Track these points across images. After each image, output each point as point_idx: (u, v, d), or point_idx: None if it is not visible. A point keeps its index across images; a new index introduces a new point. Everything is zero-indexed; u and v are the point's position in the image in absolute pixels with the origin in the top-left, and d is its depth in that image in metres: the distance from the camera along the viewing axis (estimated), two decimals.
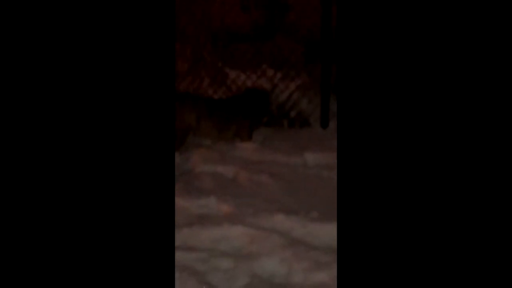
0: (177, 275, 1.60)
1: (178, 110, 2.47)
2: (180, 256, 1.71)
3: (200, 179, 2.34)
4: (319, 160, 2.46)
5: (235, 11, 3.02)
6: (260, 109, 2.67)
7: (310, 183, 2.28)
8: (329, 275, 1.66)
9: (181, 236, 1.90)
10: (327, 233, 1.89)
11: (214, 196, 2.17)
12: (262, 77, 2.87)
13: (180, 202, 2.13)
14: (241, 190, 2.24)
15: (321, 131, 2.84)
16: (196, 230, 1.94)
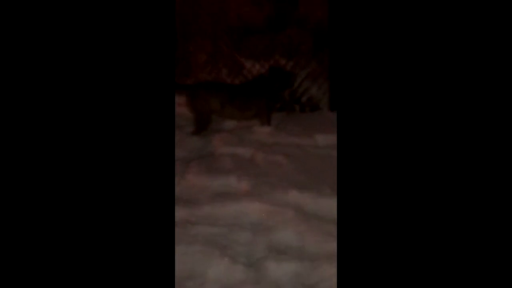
0: (201, 248, 1.67)
1: (203, 97, 2.51)
2: (203, 231, 1.77)
3: (221, 160, 2.32)
4: (329, 141, 2.44)
5: (249, 6, 2.99)
6: (288, 85, 2.71)
7: (321, 162, 2.27)
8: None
9: (203, 212, 1.91)
10: (335, 207, 1.85)
11: (233, 175, 2.16)
12: (275, 66, 2.85)
13: (203, 181, 2.11)
14: (258, 170, 2.22)
15: (330, 114, 2.84)
16: (217, 207, 1.93)
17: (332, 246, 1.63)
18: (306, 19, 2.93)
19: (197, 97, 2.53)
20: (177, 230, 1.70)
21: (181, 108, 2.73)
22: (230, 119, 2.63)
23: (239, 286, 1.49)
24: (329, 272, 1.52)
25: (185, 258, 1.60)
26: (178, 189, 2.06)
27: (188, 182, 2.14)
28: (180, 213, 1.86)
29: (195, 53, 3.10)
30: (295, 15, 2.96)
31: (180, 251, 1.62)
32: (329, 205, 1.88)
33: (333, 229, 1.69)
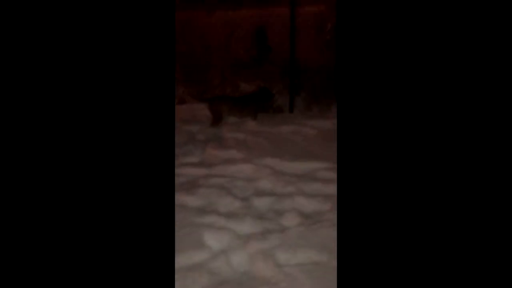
0: (215, 190, 1.66)
1: (217, 104, 2.61)
2: (216, 181, 1.77)
3: (227, 140, 2.30)
4: (289, 130, 2.44)
5: (243, 52, 3.02)
6: (267, 98, 2.75)
7: (284, 141, 2.25)
8: (294, 188, 1.69)
9: (217, 170, 1.89)
10: (293, 167, 1.90)
11: (234, 149, 2.14)
12: (261, 86, 2.88)
13: (215, 153, 2.09)
14: (248, 146, 2.20)
15: (289, 114, 2.80)
16: (225, 167, 1.92)
17: (289, 188, 1.66)
18: (275, 59, 2.99)
19: (214, 104, 2.58)
20: (200, 181, 1.77)
21: (204, 111, 2.76)
22: (233, 117, 2.67)
23: (237, 211, 1.54)
24: (288, 204, 1.54)
25: (205, 196, 1.62)
26: (202, 158, 2.05)
27: (207, 153, 2.11)
28: (203, 171, 1.90)
29: (211, 79, 3.12)
30: (269, 57, 3.01)
31: (202, 192, 1.67)
32: (288, 166, 1.89)
33: (291, 178, 1.75)
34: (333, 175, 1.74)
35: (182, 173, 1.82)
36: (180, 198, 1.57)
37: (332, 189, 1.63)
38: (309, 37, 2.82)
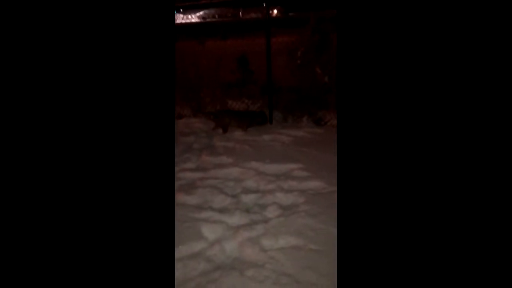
0: (209, 190, 1.65)
1: (221, 117, 2.63)
2: (210, 182, 1.76)
3: (218, 148, 2.27)
4: (270, 138, 2.43)
5: (229, 74, 3.05)
6: (260, 117, 2.76)
7: (265, 148, 2.24)
8: (275, 185, 1.69)
9: (211, 173, 1.88)
10: (274, 168, 1.90)
11: (224, 155, 2.11)
12: (243, 103, 2.86)
13: (209, 159, 2.08)
14: (236, 152, 2.18)
15: (269, 125, 2.77)
16: (217, 170, 1.91)
17: (270, 186, 1.67)
18: (257, 80, 3.04)
19: (219, 116, 2.66)
20: (198, 182, 1.76)
21: (198, 124, 2.78)
22: (231, 127, 2.64)
23: (229, 206, 1.54)
24: (270, 199, 1.55)
25: (201, 195, 1.61)
26: (198, 163, 2.01)
27: (202, 160, 2.09)
28: (199, 174, 1.88)
29: (204, 97, 3.13)
30: (252, 78, 3.05)
31: (199, 192, 1.67)
32: (269, 168, 1.89)
33: (271, 178, 1.75)
34: (306, 173, 1.81)
35: (182, 176, 1.81)
36: (181, 198, 1.56)
37: (305, 185, 1.70)
38: (283, 62, 2.90)
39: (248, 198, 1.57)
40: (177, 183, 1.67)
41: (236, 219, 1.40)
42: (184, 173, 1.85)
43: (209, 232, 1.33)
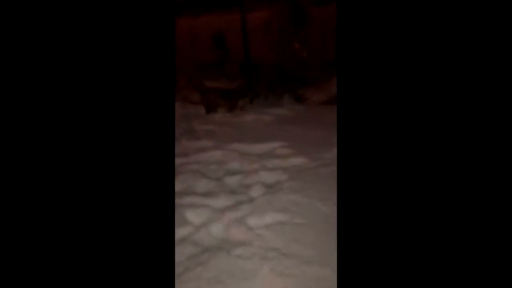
0: (192, 175, 1.62)
1: (209, 94, 2.51)
2: (192, 167, 1.73)
3: (198, 132, 2.23)
4: (251, 119, 2.40)
5: (206, 53, 2.89)
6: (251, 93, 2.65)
7: (248, 128, 2.23)
8: (258, 165, 1.70)
9: (192, 158, 1.85)
10: (256, 148, 1.90)
11: (205, 139, 2.08)
12: (221, 84, 2.78)
13: (189, 143, 2.04)
14: (218, 135, 2.15)
15: (250, 105, 2.70)
16: (199, 155, 1.88)
17: (254, 166, 1.67)
18: (235, 59, 2.90)
19: (206, 94, 2.51)
20: (180, 168, 1.72)
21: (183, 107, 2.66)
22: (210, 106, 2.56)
23: (213, 189, 1.53)
24: (254, 179, 1.56)
25: (184, 181, 1.58)
26: (178, 149, 1.93)
27: (182, 145, 2.04)
28: (180, 160, 1.82)
29: (178, 79, 2.98)
30: (230, 57, 2.91)
31: (182, 178, 1.63)
32: (252, 148, 1.89)
33: (254, 158, 1.75)
34: (289, 151, 1.83)
35: None
36: None
37: (288, 162, 1.72)
38: (260, 38, 2.80)
39: (232, 180, 1.57)
40: None
41: (221, 201, 1.40)
42: None
43: (195, 216, 1.32)
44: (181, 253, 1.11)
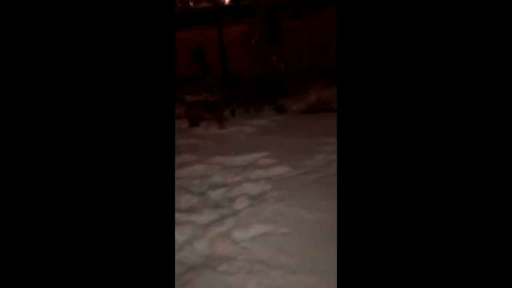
0: (177, 191, 1.56)
1: (191, 107, 2.50)
2: (176, 183, 1.65)
3: (179, 147, 2.16)
4: (232, 130, 2.41)
5: (185, 67, 2.91)
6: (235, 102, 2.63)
7: (230, 141, 2.22)
8: (242, 176, 1.69)
9: (176, 173, 1.83)
10: (239, 160, 1.90)
11: (187, 153, 2.05)
12: (201, 97, 2.80)
13: None
14: (200, 149, 2.13)
15: (231, 117, 2.68)
16: (181, 170, 1.85)
17: (237, 178, 1.67)
18: (215, 72, 2.93)
19: (191, 108, 2.50)
20: None
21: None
22: (194, 120, 2.54)
23: (196, 204, 1.54)
24: (238, 191, 1.56)
25: None
26: None
27: None
28: None
29: None
30: (209, 71, 2.94)
31: None
32: (234, 160, 1.89)
33: (238, 170, 1.75)
34: (271, 161, 1.85)
35: None
36: None
37: (271, 172, 1.74)
38: (239, 52, 2.86)
39: (215, 194, 1.57)
40: None
41: (205, 216, 1.39)
42: None
43: (178, 234, 1.29)
44: None
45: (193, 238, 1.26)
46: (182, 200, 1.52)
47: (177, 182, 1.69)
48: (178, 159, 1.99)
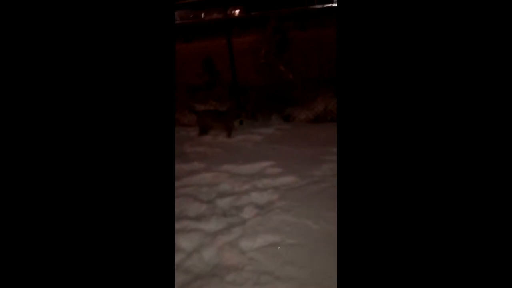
0: (184, 198, 1.62)
1: (201, 116, 2.53)
2: (183, 190, 1.72)
3: (188, 155, 2.22)
4: (239, 138, 2.42)
5: (195, 76, 2.97)
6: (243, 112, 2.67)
7: (238, 149, 2.23)
8: (249, 185, 1.70)
9: (183, 181, 1.83)
10: (247, 169, 1.91)
11: (196, 161, 2.07)
12: (211, 106, 2.80)
13: (180, 166, 2.03)
14: (208, 157, 2.15)
15: (239, 126, 2.70)
16: (190, 177, 1.88)
17: (245, 187, 1.67)
18: (224, 82, 2.98)
19: (201, 116, 2.54)
20: None
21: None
22: (203, 128, 2.58)
23: (204, 212, 1.53)
24: (246, 200, 1.57)
25: (176, 205, 1.57)
26: None
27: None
28: None
29: None
30: (219, 80, 2.99)
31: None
32: (242, 168, 1.90)
33: (246, 179, 1.75)
34: (278, 170, 1.85)
35: None
36: None
37: (279, 181, 1.74)
38: (249, 62, 2.91)
39: (223, 202, 1.57)
40: None
41: (213, 225, 1.39)
42: None
43: (186, 242, 1.30)
44: None
45: (201, 246, 1.27)
46: (190, 208, 1.54)
47: (186, 190, 1.72)
48: (187, 167, 2.03)
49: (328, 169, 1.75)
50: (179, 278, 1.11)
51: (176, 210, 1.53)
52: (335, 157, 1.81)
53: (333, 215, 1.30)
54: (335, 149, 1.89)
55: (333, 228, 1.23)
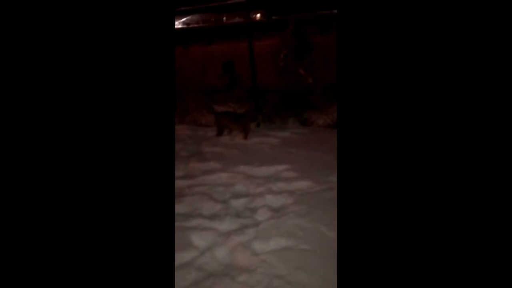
0: (198, 197, 1.64)
1: (221, 116, 2.55)
2: (199, 189, 1.74)
3: (205, 154, 2.24)
4: (256, 141, 2.41)
5: (215, 78, 3.03)
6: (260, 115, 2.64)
7: (253, 151, 2.22)
8: (264, 188, 1.69)
9: (199, 180, 1.86)
10: (263, 171, 1.90)
11: (212, 161, 2.09)
12: (229, 108, 2.85)
13: (197, 166, 2.05)
14: (225, 157, 2.15)
15: (256, 128, 2.68)
16: (206, 177, 1.89)
17: (260, 189, 1.66)
18: (243, 84, 3.02)
19: (219, 118, 2.55)
20: (186, 190, 1.73)
21: (185, 131, 2.74)
22: (220, 129, 2.59)
23: (218, 212, 1.54)
24: (260, 202, 1.56)
25: (190, 203, 1.59)
26: (185, 171, 1.98)
27: (190, 167, 2.06)
28: (187, 182, 1.86)
29: (188, 103, 3.10)
30: (238, 82, 3.04)
31: (188, 200, 1.64)
32: (258, 170, 1.90)
33: (261, 181, 1.74)
34: (294, 174, 1.82)
35: None
36: None
37: (294, 186, 1.72)
38: (268, 65, 2.92)
39: (238, 203, 1.57)
40: None
41: (226, 224, 1.40)
42: None
43: (200, 240, 1.31)
44: (185, 278, 1.10)
45: (214, 245, 1.28)
46: (205, 207, 1.55)
47: (201, 189, 1.73)
48: (203, 166, 2.06)
49: None
50: (191, 276, 1.13)
51: (191, 208, 1.55)
52: None
53: None
54: None
55: None
